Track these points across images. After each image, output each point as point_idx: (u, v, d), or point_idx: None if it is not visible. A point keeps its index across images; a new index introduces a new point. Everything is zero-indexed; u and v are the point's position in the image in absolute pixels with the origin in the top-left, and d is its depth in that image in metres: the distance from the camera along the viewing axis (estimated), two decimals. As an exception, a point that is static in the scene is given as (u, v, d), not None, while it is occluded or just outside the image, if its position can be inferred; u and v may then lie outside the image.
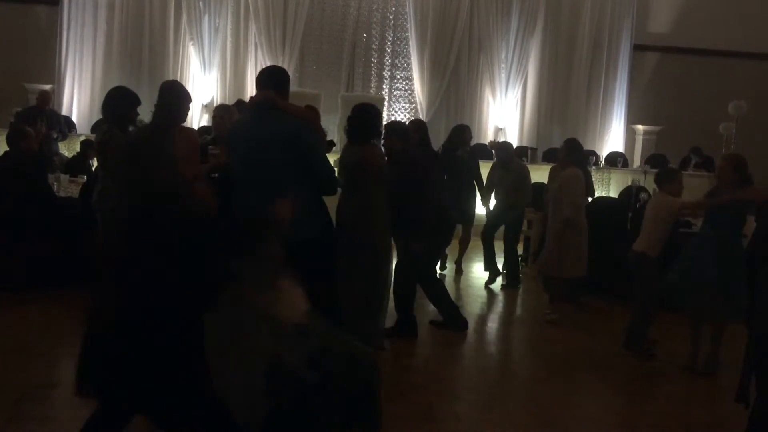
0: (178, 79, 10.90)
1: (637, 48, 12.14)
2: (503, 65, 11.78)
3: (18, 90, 10.49)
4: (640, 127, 11.90)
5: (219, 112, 5.42)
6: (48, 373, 4.30)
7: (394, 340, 5.17)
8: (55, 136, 8.84)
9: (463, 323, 5.70)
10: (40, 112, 8.82)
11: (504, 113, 11.83)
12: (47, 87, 10.26)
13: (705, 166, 10.75)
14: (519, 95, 11.96)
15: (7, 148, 6.31)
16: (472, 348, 5.50)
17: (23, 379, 4.08)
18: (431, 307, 5.77)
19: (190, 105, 4.51)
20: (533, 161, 10.54)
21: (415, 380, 4.58)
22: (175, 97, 4.27)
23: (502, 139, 10.13)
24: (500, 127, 11.80)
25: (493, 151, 8.94)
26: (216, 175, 4.65)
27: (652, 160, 11.02)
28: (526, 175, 7.39)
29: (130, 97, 4.89)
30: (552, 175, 7.08)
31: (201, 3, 11.22)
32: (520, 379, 4.86)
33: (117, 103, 4.82)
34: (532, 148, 11.06)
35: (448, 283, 7.07)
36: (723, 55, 11.90)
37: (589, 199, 7.43)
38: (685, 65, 12.00)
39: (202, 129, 10.33)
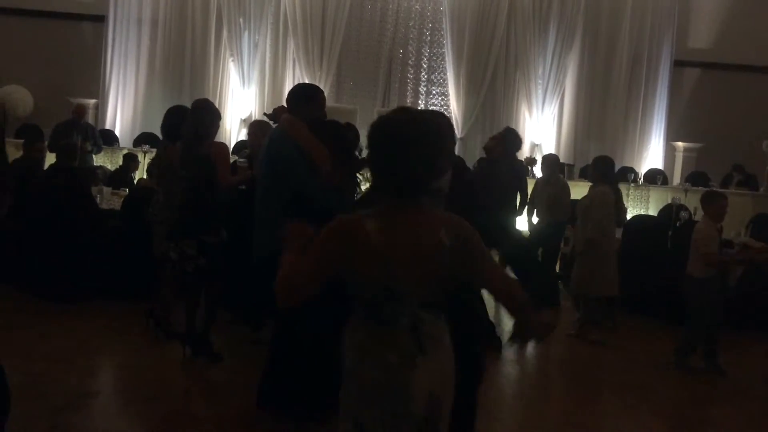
0: (218, 94, 11.13)
1: (677, 64, 11.96)
2: (540, 81, 11.72)
3: (63, 104, 10.77)
4: (680, 144, 11.70)
5: (253, 129, 5.52)
6: (89, 383, 4.37)
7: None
8: (89, 149, 8.92)
9: (497, 343, 5.63)
10: (76, 125, 8.93)
11: (540, 129, 11.75)
12: (91, 101, 10.52)
13: (748, 183, 10.52)
14: (556, 111, 11.87)
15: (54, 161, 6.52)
16: (509, 368, 5.43)
17: (64, 388, 4.15)
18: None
19: (219, 122, 4.80)
20: (570, 177, 10.41)
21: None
22: (207, 115, 4.61)
23: (546, 153, 9.99)
24: (536, 143, 11.72)
25: (537, 167, 8.83)
26: (243, 187, 4.85)
27: (692, 177, 10.83)
28: (567, 190, 7.32)
29: (182, 114, 5.07)
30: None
31: (241, 20, 11.41)
32: (557, 401, 4.79)
33: (170, 121, 5.01)
34: (568, 165, 10.95)
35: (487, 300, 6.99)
36: (765, 71, 11.66)
37: (629, 216, 7.30)
38: (727, 81, 11.78)
39: (240, 144, 10.50)
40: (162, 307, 5.16)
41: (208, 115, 4.63)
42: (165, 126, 5.11)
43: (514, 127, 11.72)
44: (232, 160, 5.24)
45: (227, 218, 4.67)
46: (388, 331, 1.99)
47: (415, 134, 1.97)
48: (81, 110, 9.30)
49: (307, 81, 11.25)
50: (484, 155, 7.38)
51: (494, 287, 2.12)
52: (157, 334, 5.10)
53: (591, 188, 6.26)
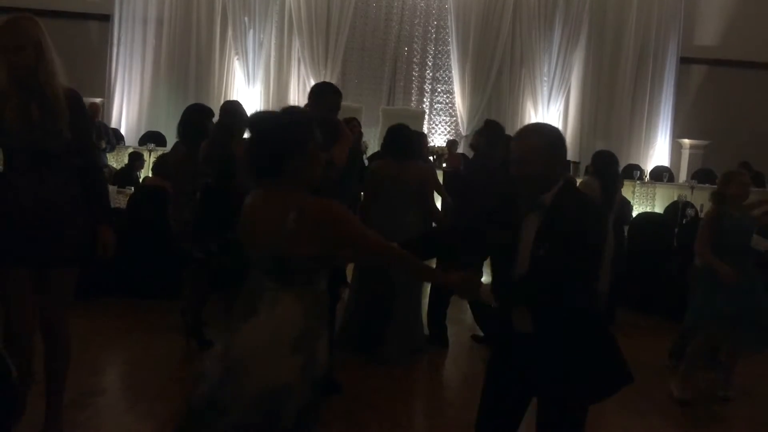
0: (223, 93, 11.14)
1: (684, 61, 11.92)
2: (545, 78, 11.69)
3: (69, 103, 10.79)
4: (686, 141, 11.66)
5: None
6: (94, 381, 4.37)
7: (430, 352, 5.18)
8: (103, 146, 8.98)
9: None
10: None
11: (546, 127, 11.72)
12: (97, 100, 10.54)
13: (755, 181, 10.46)
14: (561, 109, 11.85)
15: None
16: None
17: (69, 386, 4.12)
18: (472, 321, 5.73)
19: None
20: (576, 175, 10.39)
21: (451, 397, 4.53)
22: (244, 116, 4.64)
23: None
24: (542, 140, 11.68)
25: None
26: None
27: (698, 175, 10.79)
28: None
29: (202, 112, 5.05)
30: None
31: (246, 18, 11.42)
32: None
33: (187, 120, 4.97)
34: (574, 162, 10.93)
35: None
36: (772, 68, 11.61)
37: (634, 214, 7.23)
38: (733, 78, 11.72)
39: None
40: (188, 307, 5.02)
41: (244, 115, 4.68)
42: (188, 125, 4.98)
43: (519, 124, 11.76)
44: None
45: None
46: (243, 290, 2.31)
47: (262, 128, 2.30)
48: (95, 109, 9.37)
49: (311, 79, 11.29)
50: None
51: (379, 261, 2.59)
52: (189, 340, 4.98)
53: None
